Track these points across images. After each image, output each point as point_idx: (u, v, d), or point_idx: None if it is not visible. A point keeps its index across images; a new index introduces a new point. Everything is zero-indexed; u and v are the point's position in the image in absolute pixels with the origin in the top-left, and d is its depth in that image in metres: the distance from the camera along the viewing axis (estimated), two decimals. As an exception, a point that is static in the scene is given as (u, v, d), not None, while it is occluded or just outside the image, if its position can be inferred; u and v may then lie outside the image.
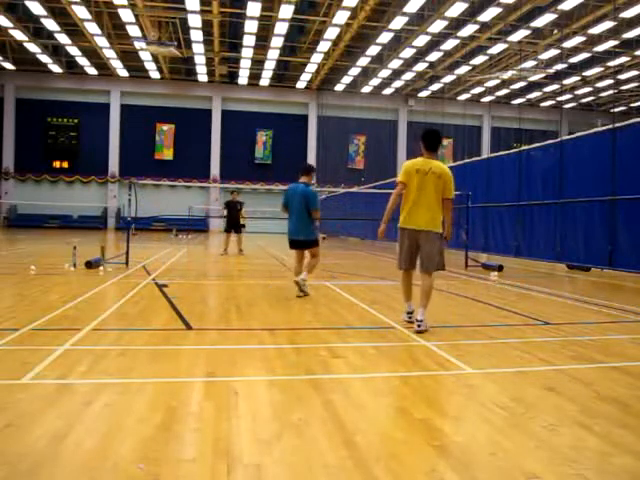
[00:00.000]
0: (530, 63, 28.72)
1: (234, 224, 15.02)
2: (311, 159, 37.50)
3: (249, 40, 26.36)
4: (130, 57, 31.01)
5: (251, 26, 24.25)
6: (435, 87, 35.72)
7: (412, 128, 38.87)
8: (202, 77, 34.67)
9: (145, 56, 29.68)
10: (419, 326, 4.76)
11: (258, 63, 31.21)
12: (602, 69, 30.70)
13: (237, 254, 14.41)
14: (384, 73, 32.34)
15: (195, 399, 2.98)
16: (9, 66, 32.18)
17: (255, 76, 34.23)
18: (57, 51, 31.03)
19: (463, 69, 31.26)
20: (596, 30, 24.74)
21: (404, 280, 5.19)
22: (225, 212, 15.32)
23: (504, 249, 13.46)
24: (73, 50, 29.26)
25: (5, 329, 4.46)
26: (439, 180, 4.90)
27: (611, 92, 34.81)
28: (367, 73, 32.89)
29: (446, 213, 5.02)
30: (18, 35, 26.39)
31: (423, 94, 37.52)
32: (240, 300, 6.63)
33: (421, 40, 25.88)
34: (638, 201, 9.22)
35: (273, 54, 28.69)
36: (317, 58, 29.47)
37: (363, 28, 25.95)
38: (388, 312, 5.85)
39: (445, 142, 39.66)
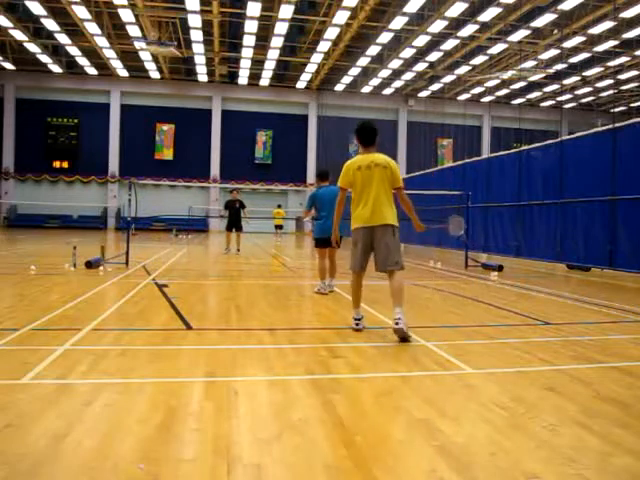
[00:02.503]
0: (530, 63, 28.72)
1: (234, 223, 15.06)
2: (311, 159, 37.54)
3: (249, 40, 26.36)
4: (130, 57, 31.01)
5: (251, 26, 24.25)
6: (435, 87, 35.71)
7: (412, 128, 38.89)
8: (202, 77, 34.67)
9: (145, 56, 29.68)
10: (397, 323, 4.27)
11: (258, 63, 31.21)
12: (602, 69, 30.71)
13: (235, 253, 14.46)
14: (384, 73, 32.34)
15: (195, 399, 2.98)
16: (9, 66, 32.19)
17: (255, 76, 34.23)
18: (57, 51, 31.03)
19: (463, 69, 31.27)
20: (596, 30, 24.74)
21: (355, 283, 4.84)
22: (225, 212, 15.33)
23: (504, 249, 13.46)
24: (73, 50, 29.26)
25: (5, 329, 4.46)
26: (385, 170, 4.62)
27: (611, 92, 34.81)
28: (367, 73, 32.89)
29: (403, 203, 4.77)
30: (18, 35, 26.39)
31: (423, 94, 37.51)
32: (240, 300, 6.63)
33: (421, 40, 25.89)
34: (638, 201, 9.22)
35: (273, 54, 28.69)
36: (317, 58, 29.47)
37: (363, 28, 25.95)
38: (388, 312, 5.82)
39: (445, 142, 39.70)
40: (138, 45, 26.61)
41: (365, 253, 4.70)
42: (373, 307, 6.13)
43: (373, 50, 27.62)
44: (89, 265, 9.35)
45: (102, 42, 27.23)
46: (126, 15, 23.42)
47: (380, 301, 6.71)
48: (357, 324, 4.80)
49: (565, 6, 22.02)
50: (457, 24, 24.38)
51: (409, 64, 30.44)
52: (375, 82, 34.46)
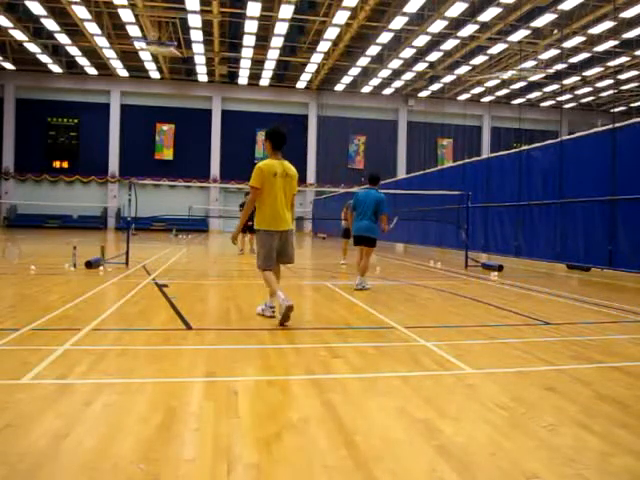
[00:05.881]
0: (530, 63, 28.73)
1: (249, 225, 15.01)
2: (311, 159, 37.55)
3: (249, 40, 26.37)
4: (130, 57, 31.02)
5: (251, 26, 24.26)
6: (435, 87, 35.72)
7: (412, 128, 38.90)
8: (202, 77, 34.68)
9: (145, 56, 29.69)
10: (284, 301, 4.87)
11: (258, 63, 31.22)
12: (602, 69, 30.72)
13: (249, 253, 14.37)
14: (384, 73, 32.35)
15: (195, 399, 2.98)
16: (9, 66, 32.20)
17: (255, 76, 34.24)
18: (57, 51, 31.04)
19: (463, 69, 31.28)
20: (596, 30, 24.76)
21: (271, 277, 5.23)
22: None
23: (504, 249, 13.45)
24: (73, 50, 29.27)
25: (5, 329, 4.46)
26: (293, 181, 5.25)
27: (611, 92, 34.82)
28: (367, 73, 32.89)
29: (292, 208, 5.39)
30: (18, 35, 26.40)
31: (423, 94, 37.52)
32: (240, 300, 6.63)
33: (421, 40, 25.90)
34: (638, 201, 9.22)
35: (273, 54, 28.70)
36: (317, 58, 29.48)
37: (363, 28, 25.97)
38: (388, 312, 5.85)
39: (445, 142, 39.71)
40: (138, 45, 26.62)
41: (275, 252, 5.30)
42: (374, 308, 6.14)
43: (373, 50, 27.63)
44: (89, 265, 9.34)
45: (102, 42, 27.24)
46: (126, 15, 23.43)
47: (380, 301, 6.72)
48: (273, 311, 5.25)
49: (565, 6, 22.03)
50: (457, 24, 24.39)
51: (409, 64, 30.45)
52: (375, 82, 34.47)
